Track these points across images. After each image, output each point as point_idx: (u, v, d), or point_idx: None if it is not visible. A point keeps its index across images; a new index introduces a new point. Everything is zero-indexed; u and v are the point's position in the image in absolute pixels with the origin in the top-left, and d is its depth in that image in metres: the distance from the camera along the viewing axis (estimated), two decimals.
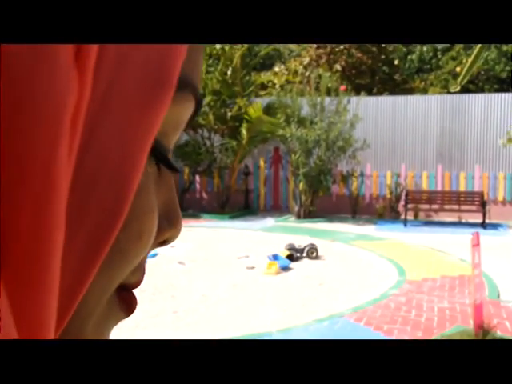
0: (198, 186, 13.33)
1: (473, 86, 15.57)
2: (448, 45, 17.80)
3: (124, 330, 4.32)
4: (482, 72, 16.30)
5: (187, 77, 0.25)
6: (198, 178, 13.03)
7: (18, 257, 0.17)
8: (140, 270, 0.27)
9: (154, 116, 0.22)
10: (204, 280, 6.25)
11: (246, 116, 11.44)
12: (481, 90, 15.30)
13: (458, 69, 13.81)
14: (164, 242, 0.29)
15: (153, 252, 7.28)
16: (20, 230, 0.17)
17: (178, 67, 0.23)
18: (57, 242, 0.18)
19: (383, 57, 16.59)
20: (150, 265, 6.80)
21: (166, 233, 0.28)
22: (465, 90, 13.68)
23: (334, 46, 15.27)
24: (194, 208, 12.76)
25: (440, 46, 18.09)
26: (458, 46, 16.80)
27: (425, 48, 18.49)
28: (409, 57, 18.56)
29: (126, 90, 0.21)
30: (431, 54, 18.23)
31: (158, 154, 0.26)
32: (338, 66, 16.17)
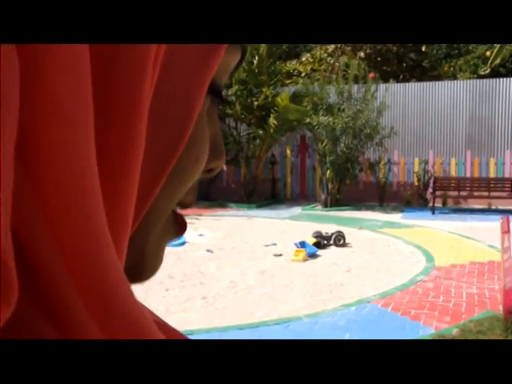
0: (224, 175, 13.40)
1: (503, 69, 15.22)
2: None
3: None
4: None
5: None
6: (224, 167, 13.08)
7: (108, 167, 0.22)
8: (192, 192, 0.32)
9: (213, 62, 0.27)
10: (232, 267, 6.31)
11: (274, 106, 11.41)
12: None
13: (488, 53, 13.50)
14: (210, 171, 0.33)
15: (181, 240, 7.38)
16: (110, 143, 0.22)
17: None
18: (139, 154, 0.23)
19: (411, 43, 16.33)
20: (179, 252, 6.90)
21: (211, 163, 0.32)
22: (495, 73, 13.37)
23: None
24: (222, 197, 12.84)
25: None
26: None
27: None
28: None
29: (187, 48, 0.26)
30: None
31: (213, 91, 0.30)
32: (361, 54, 15.98)
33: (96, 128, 0.21)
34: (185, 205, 0.32)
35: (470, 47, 16.35)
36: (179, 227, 0.32)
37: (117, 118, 0.22)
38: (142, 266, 0.30)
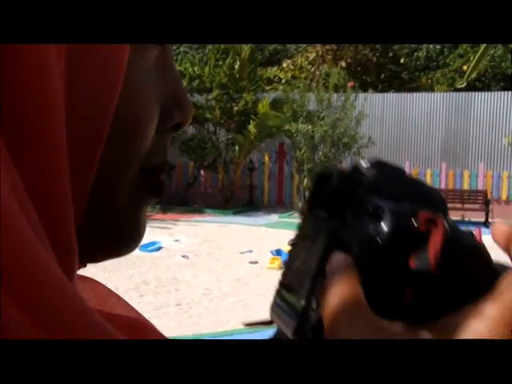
0: (202, 180, 13.36)
1: (479, 83, 15.53)
2: None
3: None
4: (489, 69, 16.23)
5: None
6: (202, 172, 13.05)
7: (31, 147, 0.20)
8: (159, 154, 0.30)
9: None
10: (207, 274, 6.29)
11: (254, 112, 11.44)
12: (487, 88, 15.25)
13: (464, 67, 13.77)
14: (177, 127, 0.32)
15: (157, 245, 7.32)
16: (28, 123, 0.20)
17: None
18: (58, 126, 0.21)
19: (390, 54, 16.55)
20: (154, 258, 6.84)
21: (175, 117, 0.31)
22: (471, 87, 13.62)
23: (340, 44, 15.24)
24: (198, 203, 12.80)
25: (447, 44, 18.01)
26: (466, 44, 16.73)
27: (431, 46, 18.41)
28: (415, 54, 18.50)
29: None
30: (438, 52, 18.16)
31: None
32: (343, 63, 16.13)
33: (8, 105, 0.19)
34: (155, 169, 0.30)
35: (448, 60, 16.65)
36: (154, 188, 0.31)
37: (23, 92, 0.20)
38: (119, 233, 0.29)
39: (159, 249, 7.28)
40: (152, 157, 0.30)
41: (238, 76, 11.97)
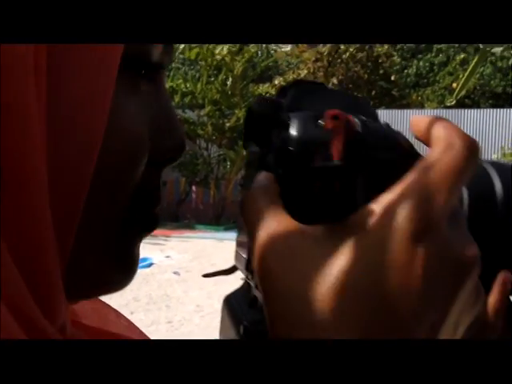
0: (194, 196, 13.34)
1: (469, 100, 15.71)
2: (445, 59, 17.95)
3: None
4: (478, 87, 16.44)
5: None
6: (194, 188, 13.04)
7: (11, 199, 0.19)
8: (150, 187, 0.29)
9: (113, 50, 0.23)
10: (199, 290, 6.25)
11: None
12: (476, 105, 15.44)
13: (454, 84, 13.95)
14: (169, 160, 0.31)
15: (148, 261, 7.28)
16: (7, 171, 0.19)
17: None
18: (40, 175, 0.20)
19: (381, 71, 16.75)
20: (145, 274, 6.80)
21: (168, 152, 0.30)
22: (461, 104, 13.78)
23: (331, 59, 15.39)
24: (190, 219, 12.77)
25: (437, 61, 18.24)
26: (455, 62, 16.96)
27: (421, 63, 18.64)
28: (406, 71, 18.71)
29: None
30: (428, 69, 18.39)
31: (134, 63, 0.26)
32: (334, 80, 16.29)
33: None
34: (145, 202, 0.29)
35: (438, 77, 16.85)
36: (145, 224, 0.30)
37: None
38: (109, 271, 0.29)
39: (150, 265, 7.23)
40: (143, 190, 0.29)
41: (230, 92, 12.04)
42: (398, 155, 0.28)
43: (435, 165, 0.25)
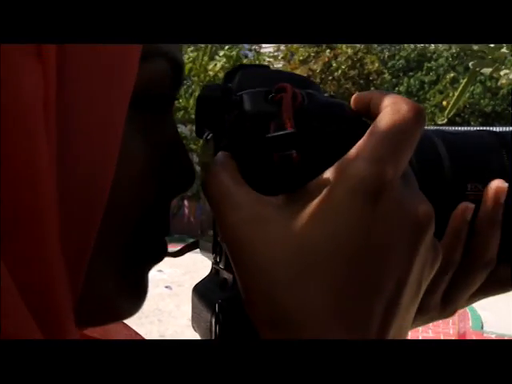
0: (186, 210, 13.29)
1: (459, 118, 15.90)
2: (435, 78, 18.14)
3: None
4: (468, 105, 16.64)
5: (156, 45, 0.26)
6: (186, 202, 12.99)
7: (22, 235, 0.19)
8: (158, 216, 0.29)
9: (123, 89, 0.23)
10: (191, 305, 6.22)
11: None
12: (467, 123, 15.63)
13: (444, 102, 14.10)
14: (180, 190, 0.30)
15: None
16: (17, 208, 0.19)
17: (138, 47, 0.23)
18: (52, 213, 0.20)
19: (372, 88, 16.90)
20: None
21: (177, 186, 0.30)
22: (451, 122, 13.93)
23: (323, 76, 15.51)
24: (182, 233, 12.71)
25: (427, 79, 18.44)
26: (445, 80, 17.16)
27: (412, 81, 18.83)
28: (396, 89, 18.88)
29: (92, 71, 0.22)
30: (418, 87, 18.56)
31: (143, 104, 0.26)
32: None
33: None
34: (153, 231, 0.29)
35: (428, 95, 17.02)
36: (153, 253, 0.30)
37: (12, 189, 0.19)
38: (115, 300, 0.28)
39: None
40: (153, 219, 0.29)
41: None
42: (345, 123, 0.29)
43: (385, 128, 0.26)
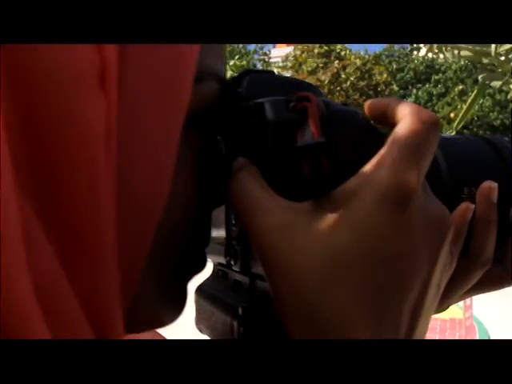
0: None
1: (467, 131, 15.88)
2: (443, 90, 18.13)
3: None
4: (476, 118, 16.60)
5: (207, 67, 0.26)
6: None
7: (80, 254, 0.20)
8: (202, 227, 0.30)
9: (178, 111, 0.23)
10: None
11: None
12: (475, 135, 15.60)
13: (452, 115, 14.08)
14: (222, 202, 0.31)
15: None
16: (77, 231, 0.20)
17: (193, 64, 0.24)
18: (110, 236, 0.21)
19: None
20: None
21: (218, 190, 0.29)
22: (459, 135, 13.88)
23: (332, 87, 15.53)
24: None
25: (435, 92, 18.43)
26: (453, 93, 17.15)
27: (420, 93, 18.83)
28: (404, 99, 18.87)
29: (150, 96, 0.22)
30: (426, 99, 18.56)
31: (190, 122, 0.26)
32: None
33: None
34: (195, 243, 0.30)
35: (436, 108, 17.02)
36: (193, 264, 0.30)
37: (75, 208, 0.20)
38: (162, 309, 0.29)
39: None
40: (196, 231, 0.29)
41: None
42: (363, 130, 0.30)
43: (407, 137, 0.27)
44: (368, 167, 0.27)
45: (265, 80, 0.31)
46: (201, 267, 0.31)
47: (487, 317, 6.52)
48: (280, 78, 0.32)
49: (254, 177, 0.28)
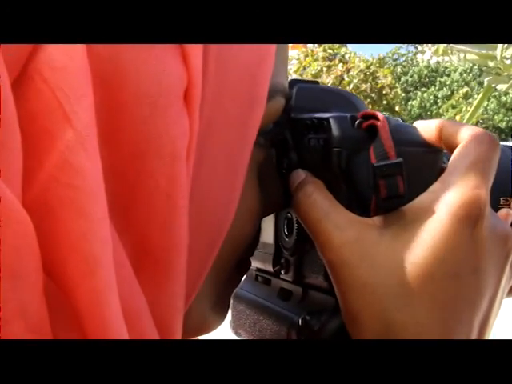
0: None
1: None
2: (448, 92, 18.11)
3: None
4: (481, 121, 16.56)
5: (277, 83, 0.27)
6: None
7: (152, 264, 0.21)
8: (252, 238, 0.30)
9: (252, 128, 0.24)
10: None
11: None
12: None
13: (457, 117, 14.07)
14: (272, 212, 0.31)
15: None
16: (152, 243, 0.20)
17: (268, 81, 0.25)
18: (183, 248, 0.21)
19: (384, 102, 16.94)
20: None
21: (270, 202, 0.30)
22: None
23: None
24: None
25: (440, 94, 18.41)
26: (458, 95, 17.13)
27: (425, 95, 18.82)
28: (410, 103, 18.87)
29: (226, 113, 0.23)
30: (432, 101, 18.53)
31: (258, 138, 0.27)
32: None
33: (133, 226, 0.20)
34: (246, 252, 0.31)
35: (441, 110, 16.99)
36: (243, 269, 0.32)
37: (154, 220, 0.20)
38: (210, 315, 0.30)
39: None
40: (247, 240, 0.30)
41: None
42: (423, 147, 0.30)
43: (474, 157, 0.28)
44: (437, 185, 0.28)
45: (312, 91, 0.32)
46: (245, 272, 0.32)
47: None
48: (325, 88, 0.33)
49: (322, 190, 0.29)
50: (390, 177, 0.27)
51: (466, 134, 0.29)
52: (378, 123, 0.28)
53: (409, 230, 0.27)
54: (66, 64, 0.17)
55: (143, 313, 0.20)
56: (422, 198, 0.28)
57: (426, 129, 0.31)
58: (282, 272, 0.33)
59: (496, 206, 0.35)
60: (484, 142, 0.29)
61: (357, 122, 0.29)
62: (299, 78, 0.34)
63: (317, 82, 0.33)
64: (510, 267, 0.30)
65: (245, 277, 0.36)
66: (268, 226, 0.34)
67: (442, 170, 0.29)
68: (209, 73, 0.21)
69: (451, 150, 0.30)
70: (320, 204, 0.28)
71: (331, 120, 0.29)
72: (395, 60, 20.61)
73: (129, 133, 0.19)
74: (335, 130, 0.29)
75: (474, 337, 0.28)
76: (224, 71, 0.22)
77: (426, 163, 0.30)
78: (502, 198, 0.36)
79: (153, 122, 0.19)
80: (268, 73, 0.24)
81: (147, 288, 0.21)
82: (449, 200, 0.27)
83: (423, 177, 0.29)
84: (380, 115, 0.29)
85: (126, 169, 0.19)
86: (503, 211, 0.34)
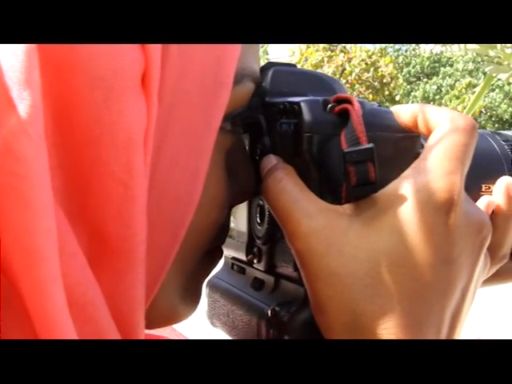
0: None
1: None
2: (452, 82, 18.03)
3: None
4: (484, 111, 16.48)
5: (245, 67, 0.26)
6: None
7: (109, 254, 0.20)
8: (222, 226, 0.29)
9: (216, 113, 0.23)
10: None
11: None
12: (483, 128, 15.51)
13: (460, 107, 14.00)
14: (242, 200, 0.30)
15: None
16: (108, 233, 0.19)
17: (234, 64, 0.24)
18: (141, 237, 0.20)
19: (386, 93, 16.86)
20: None
21: (240, 191, 0.29)
22: None
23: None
24: None
25: (444, 84, 18.33)
26: (461, 85, 17.04)
27: (428, 86, 18.73)
28: (412, 93, 18.79)
29: (189, 97, 0.22)
30: (434, 92, 18.46)
31: (224, 123, 0.26)
32: None
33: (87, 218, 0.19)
34: (215, 243, 0.30)
35: (444, 101, 16.93)
36: (214, 259, 0.31)
37: (110, 211, 0.19)
38: (180, 305, 0.29)
39: None
40: (217, 229, 0.29)
41: None
42: (398, 133, 0.29)
43: (449, 142, 0.27)
44: (410, 172, 0.27)
45: (289, 74, 0.31)
46: (217, 262, 0.31)
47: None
48: (303, 72, 0.31)
49: (292, 176, 0.28)
50: (361, 163, 0.26)
51: (442, 118, 0.28)
52: (350, 107, 0.27)
53: (380, 217, 0.26)
54: (13, 48, 0.17)
55: (97, 303, 0.19)
56: (394, 185, 0.27)
57: (403, 114, 0.29)
58: (255, 261, 0.32)
59: (477, 193, 0.34)
60: (460, 125, 0.27)
61: (329, 106, 0.28)
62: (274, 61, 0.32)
63: (294, 66, 0.31)
64: (485, 256, 0.29)
65: (222, 265, 0.35)
66: (242, 213, 0.33)
67: (418, 156, 0.28)
68: (170, 55, 0.21)
69: (428, 134, 0.28)
70: (289, 191, 0.27)
71: (302, 104, 0.27)
72: (397, 50, 20.52)
73: (82, 118, 0.18)
74: (306, 114, 0.27)
75: (445, 328, 0.27)
76: (187, 54, 0.21)
77: (401, 149, 0.28)
78: (483, 185, 0.35)
79: (107, 107, 0.18)
80: (234, 56, 0.24)
81: (104, 278, 0.20)
82: (420, 187, 0.26)
83: (398, 163, 0.27)
84: (354, 99, 0.27)
85: (80, 156, 0.18)
86: (484, 198, 0.33)
